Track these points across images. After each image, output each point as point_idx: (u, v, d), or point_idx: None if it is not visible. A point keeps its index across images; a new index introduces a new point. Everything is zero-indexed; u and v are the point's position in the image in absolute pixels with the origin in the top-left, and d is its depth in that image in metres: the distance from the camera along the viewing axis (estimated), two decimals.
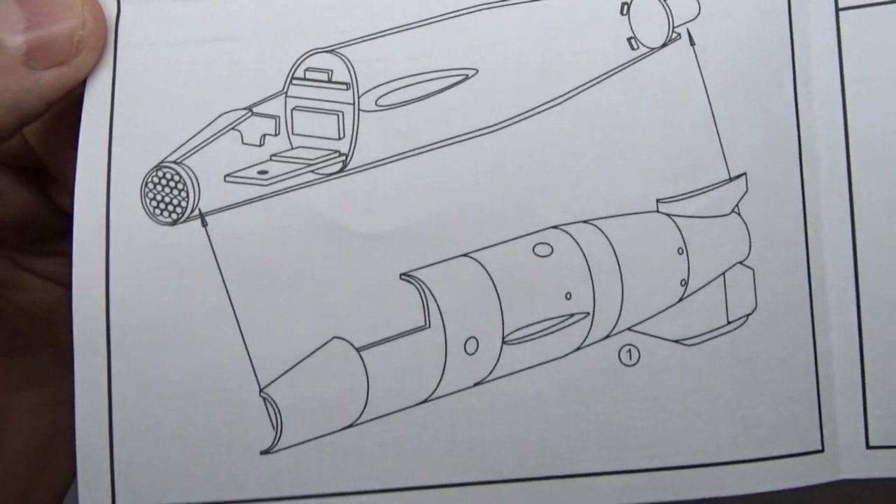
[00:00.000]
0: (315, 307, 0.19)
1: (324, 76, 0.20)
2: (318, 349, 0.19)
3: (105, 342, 0.19)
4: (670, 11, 0.20)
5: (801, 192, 0.21)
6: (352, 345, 0.19)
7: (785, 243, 0.21)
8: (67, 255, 0.20)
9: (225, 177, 0.19)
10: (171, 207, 0.19)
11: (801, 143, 0.21)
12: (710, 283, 0.20)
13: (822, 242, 0.21)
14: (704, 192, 0.20)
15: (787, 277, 0.21)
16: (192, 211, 0.19)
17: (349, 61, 0.20)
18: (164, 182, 0.19)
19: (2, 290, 0.23)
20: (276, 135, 0.20)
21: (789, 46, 0.21)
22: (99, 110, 0.19)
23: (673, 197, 0.20)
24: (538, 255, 0.20)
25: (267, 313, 0.19)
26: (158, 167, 0.19)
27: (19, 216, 0.23)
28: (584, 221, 0.20)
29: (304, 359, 0.19)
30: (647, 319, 0.20)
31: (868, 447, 0.21)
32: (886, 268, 0.21)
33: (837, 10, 0.21)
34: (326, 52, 0.20)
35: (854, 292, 0.21)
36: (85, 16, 0.19)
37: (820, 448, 0.21)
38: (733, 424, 0.20)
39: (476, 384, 0.20)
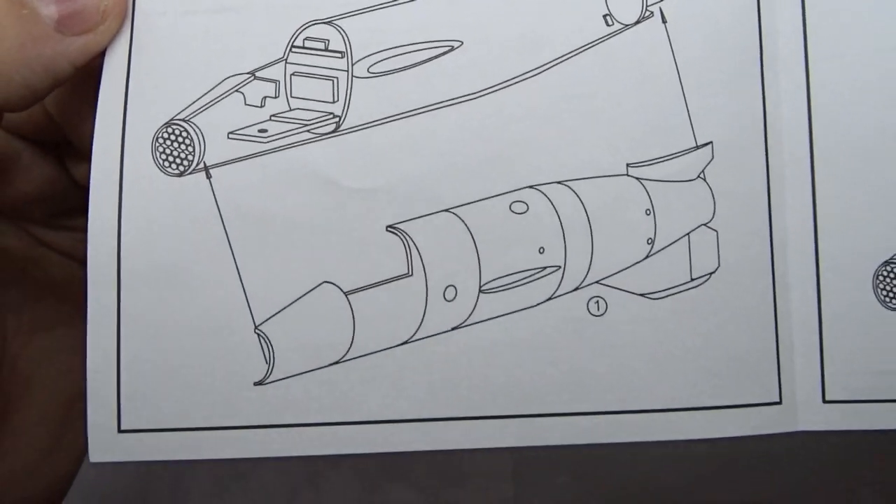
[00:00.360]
0: (307, 254, 0.21)
1: (321, 45, 0.22)
2: (309, 292, 0.21)
3: (115, 280, 0.21)
4: None
5: (765, 160, 0.22)
6: (340, 289, 0.21)
7: (748, 207, 0.22)
8: (85, 230, 0.21)
9: (228, 134, 0.21)
10: (178, 160, 0.21)
11: (766, 114, 0.22)
12: (675, 242, 0.22)
13: (784, 207, 0.22)
14: (672, 159, 0.22)
15: (750, 239, 0.22)
16: (197, 164, 0.21)
17: (344, 32, 0.22)
18: (173, 137, 0.21)
19: (26, 266, 0.25)
20: (275, 97, 0.21)
21: (757, 23, 0.22)
22: (117, 72, 0.21)
23: (642, 162, 0.22)
24: (514, 213, 0.21)
25: (263, 258, 0.21)
26: (168, 124, 0.21)
27: (40, 189, 0.24)
28: (559, 182, 0.22)
29: (296, 300, 0.21)
30: (614, 274, 0.22)
31: (824, 401, 0.22)
32: (845, 232, 0.22)
33: None
34: (324, 23, 0.22)
35: (814, 255, 0.22)
36: None
37: (778, 400, 0.22)
38: (693, 373, 0.22)
39: (453, 328, 0.21)
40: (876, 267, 0.22)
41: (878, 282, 0.22)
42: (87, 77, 0.22)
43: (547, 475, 0.36)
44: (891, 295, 0.22)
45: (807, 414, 0.22)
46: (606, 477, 0.36)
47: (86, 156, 0.22)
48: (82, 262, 0.23)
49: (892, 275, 0.22)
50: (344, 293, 0.21)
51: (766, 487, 0.38)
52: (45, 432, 0.25)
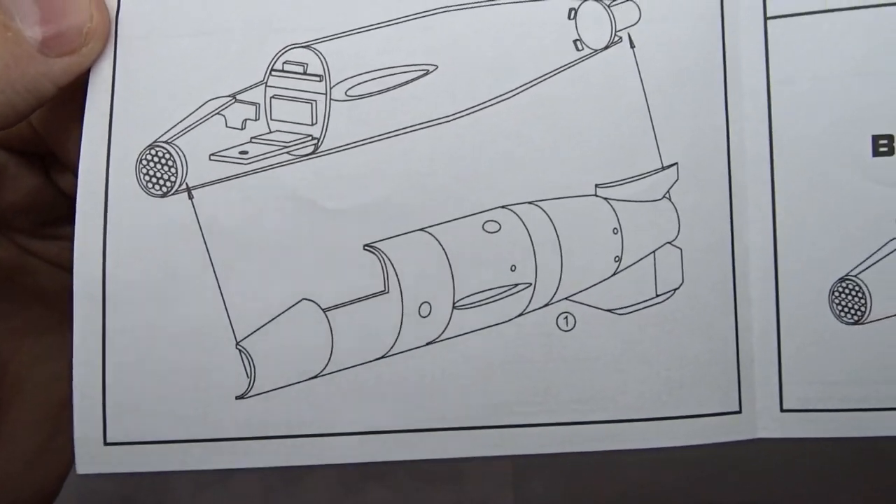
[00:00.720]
0: (287, 272, 0.22)
1: (300, 69, 0.22)
2: (288, 308, 0.22)
3: (101, 298, 0.22)
4: (613, 17, 0.23)
5: (727, 180, 0.23)
6: (319, 306, 0.22)
7: (711, 226, 0.23)
8: (71, 239, 0.22)
9: (210, 156, 0.22)
10: (161, 181, 0.22)
11: (730, 136, 0.23)
12: (641, 260, 0.23)
13: (746, 225, 0.23)
14: (639, 179, 0.23)
15: (713, 256, 0.23)
16: (180, 185, 0.22)
17: (323, 56, 0.22)
18: (156, 159, 0.22)
19: (14, 275, 0.25)
20: (256, 120, 0.22)
21: (721, 50, 0.23)
22: (101, 94, 0.22)
23: (610, 183, 0.23)
24: (487, 232, 0.22)
25: (244, 276, 0.22)
26: (152, 146, 0.22)
27: (28, 200, 0.25)
28: (530, 203, 0.22)
29: (276, 316, 0.22)
30: (583, 291, 0.23)
31: (782, 410, 0.23)
32: (803, 250, 0.23)
33: (766, 18, 0.23)
34: (303, 47, 0.22)
35: (773, 271, 0.23)
36: (92, 10, 0.22)
37: (738, 409, 0.23)
38: (658, 385, 0.23)
39: (428, 343, 0.22)
40: (832, 283, 0.23)
41: (833, 297, 0.23)
42: (71, 94, 0.22)
43: (546, 479, 0.37)
44: (845, 310, 0.23)
45: (765, 422, 0.23)
46: (606, 481, 0.37)
47: (71, 167, 0.23)
48: (69, 269, 0.23)
49: (846, 291, 0.23)
50: (322, 310, 0.22)
51: (761, 489, 0.39)
52: (37, 435, 0.25)
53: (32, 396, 0.25)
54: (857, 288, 0.23)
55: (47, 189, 0.25)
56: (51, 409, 0.25)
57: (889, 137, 0.23)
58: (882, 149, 0.23)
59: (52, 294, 0.26)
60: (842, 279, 0.23)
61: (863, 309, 0.23)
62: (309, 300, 0.22)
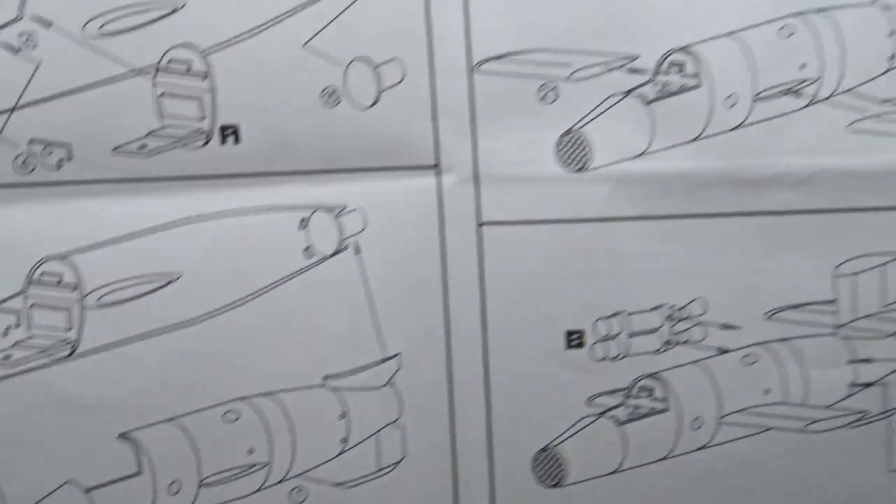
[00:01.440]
0: (52, 459, 0.25)
1: (55, 279, 0.25)
2: (55, 490, 0.25)
3: None
4: (341, 227, 0.26)
5: (447, 366, 0.26)
6: (81, 487, 0.25)
7: (431, 406, 0.26)
8: None
9: None
10: None
11: (449, 327, 0.26)
12: (365, 440, 0.26)
13: (464, 403, 0.27)
14: (363, 371, 0.26)
15: (432, 433, 0.26)
16: None
17: (76, 267, 0.25)
18: None
19: None
20: (18, 326, 0.25)
21: (440, 253, 0.26)
22: None
23: (336, 374, 0.26)
24: (227, 420, 0.26)
25: (15, 463, 0.25)
26: None
27: None
28: (265, 394, 0.26)
29: (43, 497, 0.25)
30: (313, 468, 0.26)
31: None
32: (511, 424, 0.27)
33: (479, 224, 0.26)
34: (58, 259, 0.25)
35: (487, 442, 0.27)
36: None
37: None
38: None
39: None
40: (534, 453, 0.27)
41: (535, 465, 0.27)
42: None
43: None
44: (545, 475, 0.27)
45: None
46: None
47: None
48: None
49: (546, 459, 0.27)
50: (84, 490, 0.25)
51: None
52: None
53: None
54: (554, 457, 0.27)
55: None
56: None
57: (580, 333, 0.26)
58: (574, 342, 0.26)
59: None
60: (542, 449, 0.27)
61: (560, 474, 0.27)
62: (73, 483, 0.25)
